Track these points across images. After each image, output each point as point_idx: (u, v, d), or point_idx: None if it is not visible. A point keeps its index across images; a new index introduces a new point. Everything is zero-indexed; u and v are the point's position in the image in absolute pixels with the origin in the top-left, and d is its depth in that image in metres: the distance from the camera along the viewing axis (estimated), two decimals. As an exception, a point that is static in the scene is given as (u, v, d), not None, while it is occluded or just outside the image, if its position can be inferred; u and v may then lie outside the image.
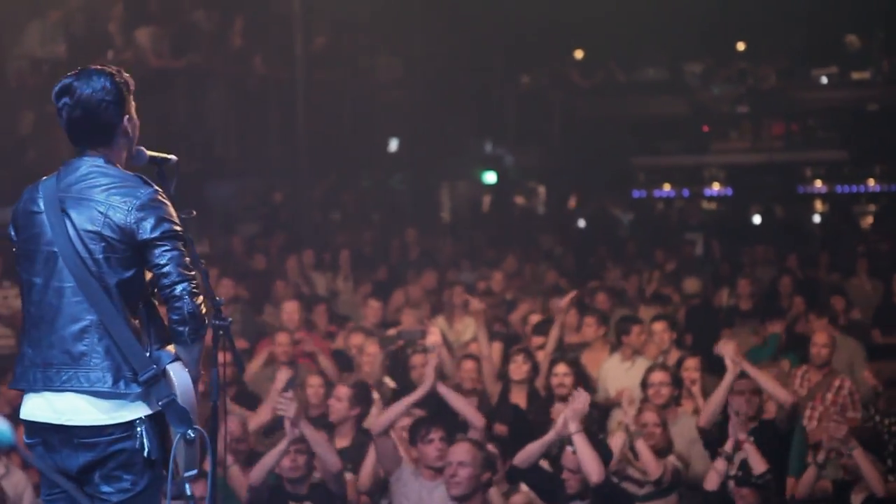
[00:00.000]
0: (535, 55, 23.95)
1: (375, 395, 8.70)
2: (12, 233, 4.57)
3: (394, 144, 21.47)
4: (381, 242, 16.84)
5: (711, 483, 7.31)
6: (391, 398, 8.87)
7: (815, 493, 7.44)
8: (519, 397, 8.91)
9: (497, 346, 10.12)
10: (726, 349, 8.10)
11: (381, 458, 7.42)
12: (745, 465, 7.29)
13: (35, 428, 4.44)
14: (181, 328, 4.39)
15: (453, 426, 7.62)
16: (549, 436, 7.21)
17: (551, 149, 23.85)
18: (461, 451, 6.92)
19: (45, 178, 4.55)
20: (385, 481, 7.47)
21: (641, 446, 7.47)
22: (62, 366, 4.38)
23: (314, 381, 8.74)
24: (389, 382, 9.55)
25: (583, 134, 23.43)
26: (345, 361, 10.30)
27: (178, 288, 4.35)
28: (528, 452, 7.21)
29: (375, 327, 11.17)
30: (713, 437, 7.85)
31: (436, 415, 7.80)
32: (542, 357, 9.31)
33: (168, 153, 4.71)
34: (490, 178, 23.45)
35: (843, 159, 22.60)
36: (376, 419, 7.68)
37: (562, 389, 8.42)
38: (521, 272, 14.96)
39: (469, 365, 9.09)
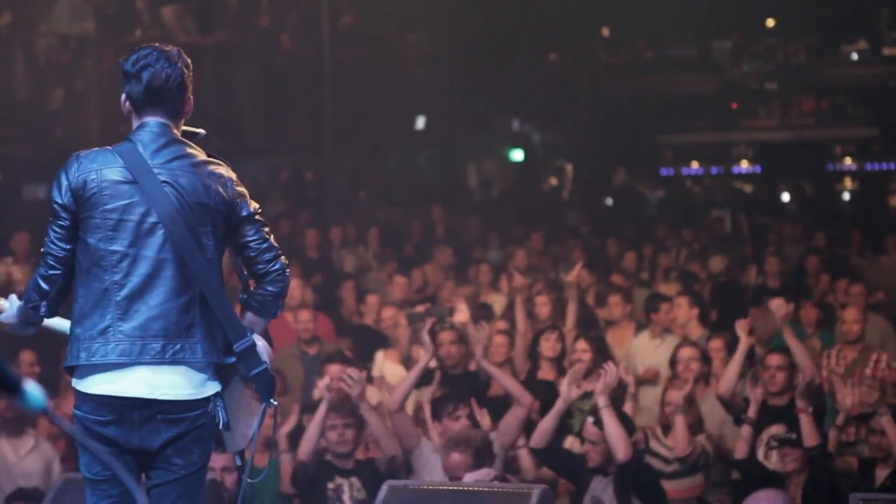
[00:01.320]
0: (563, 33, 23.87)
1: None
2: (69, 202, 4.39)
3: (420, 122, 21.45)
4: (408, 220, 16.84)
5: (741, 451, 7.30)
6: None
7: (840, 467, 7.41)
8: (548, 375, 8.91)
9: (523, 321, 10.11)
10: (740, 324, 8.11)
11: (399, 434, 7.41)
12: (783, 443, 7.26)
13: (112, 404, 4.36)
14: (278, 301, 4.54)
15: (481, 402, 7.61)
16: (557, 406, 7.19)
17: (578, 127, 23.81)
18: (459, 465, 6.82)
19: (113, 147, 4.47)
20: (407, 461, 7.47)
21: (679, 421, 7.44)
22: (170, 338, 4.36)
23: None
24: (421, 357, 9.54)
25: (610, 112, 23.37)
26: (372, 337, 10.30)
27: (279, 263, 4.48)
28: (543, 430, 7.18)
29: (403, 303, 11.18)
30: (741, 412, 7.83)
31: (462, 391, 7.80)
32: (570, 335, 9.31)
33: (196, 128, 4.73)
34: (517, 155, 23.42)
35: (874, 136, 22.45)
36: (390, 397, 7.67)
37: (581, 366, 8.41)
38: (547, 250, 14.93)
39: (500, 339, 9.08)
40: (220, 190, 4.41)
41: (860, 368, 8.90)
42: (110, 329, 4.36)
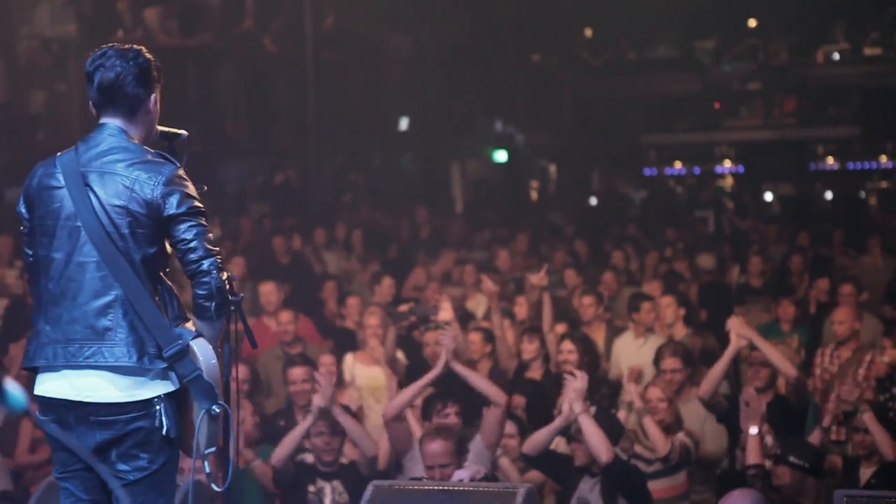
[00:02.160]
0: (546, 34, 23.91)
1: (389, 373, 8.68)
2: (23, 210, 4.50)
3: (404, 123, 21.45)
4: (392, 222, 16.83)
5: (752, 457, 7.11)
6: (404, 374, 8.85)
7: (826, 467, 7.41)
8: (535, 374, 8.92)
9: (507, 323, 10.11)
10: (733, 323, 8.09)
11: (393, 440, 7.39)
12: (790, 444, 7.23)
13: (51, 405, 4.40)
14: (208, 303, 4.37)
15: (468, 401, 7.59)
16: (557, 422, 7.14)
17: (562, 127, 23.84)
18: (439, 452, 6.74)
19: (60, 153, 4.50)
20: (398, 463, 7.46)
21: (648, 423, 7.44)
22: (85, 341, 4.34)
23: (326, 360, 8.72)
24: (402, 358, 9.53)
25: (593, 112, 23.42)
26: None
27: (206, 263, 4.34)
28: (536, 440, 7.13)
29: (387, 305, 11.15)
30: (723, 411, 7.83)
31: (450, 390, 7.79)
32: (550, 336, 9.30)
33: (178, 129, 4.71)
34: (500, 156, 23.44)
35: (855, 136, 22.54)
36: (388, 404, 7.62)
37: (567, 367, 8.42)
38: (533, 251, 14.93)
39: (475, 337, 9.08)
40: (142, 190, 4.33)
41: (853, 368, 8.87)
42: (40, 332, 4.41)
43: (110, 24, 14.60)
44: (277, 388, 9.31)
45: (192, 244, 4.35)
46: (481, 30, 22.33)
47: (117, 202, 4.34)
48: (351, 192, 18.90)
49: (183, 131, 4.70)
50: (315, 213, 16.71)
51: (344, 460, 7.45)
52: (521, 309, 10.27)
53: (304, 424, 7.26)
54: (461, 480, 6.42)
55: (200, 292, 4.37)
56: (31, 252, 4.50)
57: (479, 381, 7.59)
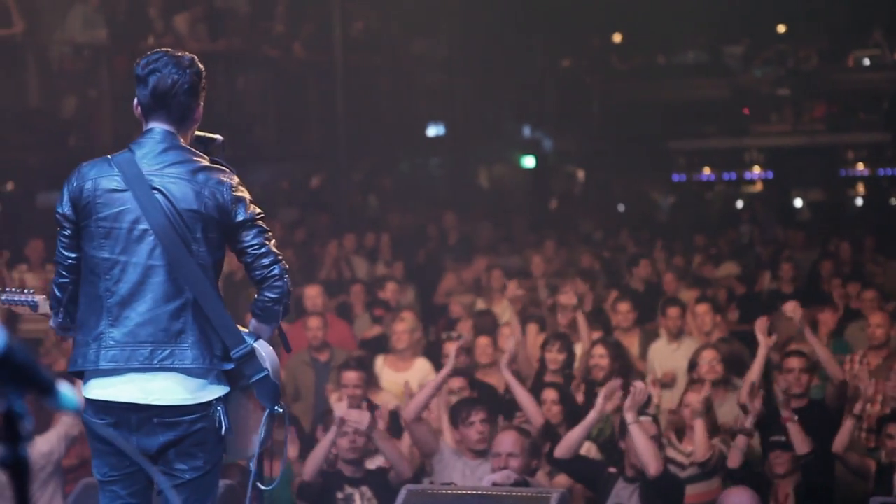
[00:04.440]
0: (575, 39, 23.92)
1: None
2: (69, 211, 4.47)
3: (433, 129, 21.48)
4: (420, 227, 16.84)
5: (734, 460, 7.22)
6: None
7: (854, 464, 7.38)
8: (555, 380, 8.89)
9: (533, 329, 10.10)
10: (759, 324, 8.08)
11: (417, 443, 7.39)
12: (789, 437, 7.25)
13: (110, 408, 4.41)
14: (278, 307, 4.46)
15: (495, 408, 7.60)
16: (589, 418, 7.14)
17: (590, 133, 23.81)
18: (509, 442, 6.87)
19: (112, 155, 4.52)
20: (422, 466, 7.46)
21: (698, 426, 7.38)
22: (158, 344, 4.37)
23: (351, 378, 8.58)
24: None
25: (622, 118, 23.36)
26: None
27: (277, 268, 4.42)
28: (570, 441, 7.11)
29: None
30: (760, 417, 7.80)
31: (476, 397, 7.78)
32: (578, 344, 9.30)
33: (214, 134, 4.74)
34: (529, 162, 23.42)
35: (886, 141, 22.42)
36: (407, 407, 7.63)
37: (599, 372, 8.39)
38: (560, 256, 14.92)
39: (484, 341, 9.14)
40: (214, 195, 4.40)
41: (884, 375, 8.80)
42: (102, 335, 4.41)
43: (141, 29, 14.67)
44: (306, 393, 9.33)
45: (262, 250, 4.42)
46: (510, 35, 22.33)
47: (189, 206, 4.39)
48: (379, 197, 18.93)
49: (218, 136, 4.73)
50: (344, 217, 16.74)
51: (371, 466, 7.44)
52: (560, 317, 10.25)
53: (329, 436, 7.26)
54: (493, 485, 6.42)
55: (272, 295, 4.45)
56: (74, 255, 4.50)
57: (523, 397, 7.60)
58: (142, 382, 4.38)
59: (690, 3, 22.03)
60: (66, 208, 4.49)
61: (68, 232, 4.50)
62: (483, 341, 9.28)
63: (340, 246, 14.17)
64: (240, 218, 4.41)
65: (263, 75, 17.21)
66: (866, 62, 22.89)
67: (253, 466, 4.60)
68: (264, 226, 4.48)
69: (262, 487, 4.63)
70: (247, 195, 4.48)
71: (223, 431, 4.42)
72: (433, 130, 21.49)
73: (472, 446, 7.25)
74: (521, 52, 22.82)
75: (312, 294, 10.55)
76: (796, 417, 7.22)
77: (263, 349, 4.48)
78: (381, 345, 10.15)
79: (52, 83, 14.04)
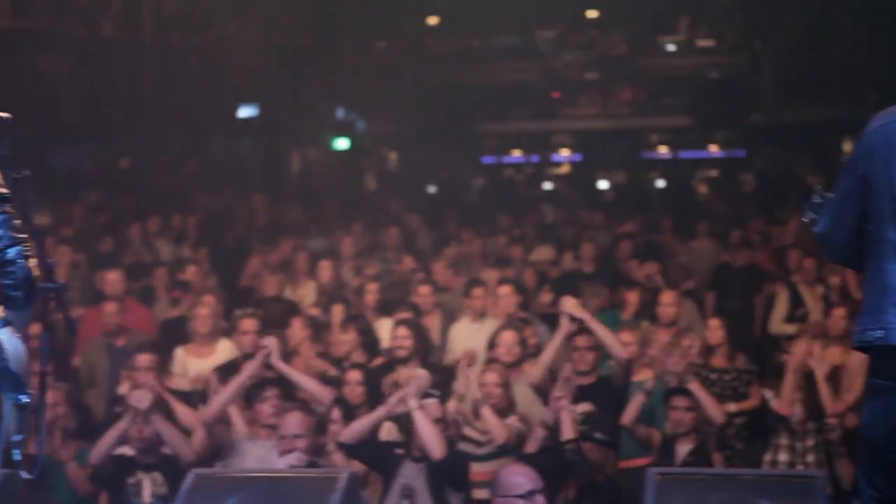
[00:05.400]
0: (389, 21, 23.95)
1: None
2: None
3: (244, 110, 21.27)
4: (228, 209, 16.66)
5: (531, 446, 7.32)
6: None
7: (641, 435, 7.60)
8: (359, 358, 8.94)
9: (339, 309, 10.12)
10: (566, 304, 8.19)
11: (214, 441, 7.30)
12: (589, 420, 7.41)
13: None
14: (14, 292, 4.28)
15: (288, 386, 7.59)
16: (379, 412, 7.15)
17: (404, 115, 23.90)
18: (294, 423, 6.84)
19: None
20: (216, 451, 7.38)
21: (487, 413, 7.45)
22: None
23: (143, 361, 8.44)
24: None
25: (435, 100, 23.54)
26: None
27: (11, 252, 4.25)
28: (355, 429, 7.11)
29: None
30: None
31: (271, 377, 7.77)
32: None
33: (2, 112, 4.57)
34: (342, 144, 23.40)
35: (688, 125, 23.15)
36: (206, 409, 7.53)
37: (401, 352, 8.45)
38: (370, 236, 14.94)
39: (298, 324, 9.13)
40: None
41: (675, 349, 9.05)
42: None
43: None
44: (101, 379, 9.17)
45: None
46: (324, 17, 22.22)
47: None
48: (186, 179, 18.65)
49: (4, 114, 4.57)
50: (150, 199, 16.45)
51: (167, 450, 7.35)
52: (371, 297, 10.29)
53: (120, 425, 7.15)
54: (285, 468, 6.43)
55: (7, 281, 4.29)
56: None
57: (302, 379, 7.59)
58: None
59: (504, -13, 22.34)
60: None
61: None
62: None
63: (144, 229, 13.93)
64: None
65: (69, 54, 16.80)
66: (671, 48, 23.57)
67: (17, 455, 4.48)
68: (1, 207, 4.28)
69: (24, 476, 4.52)
70: None
71: None
72: (245, 112, 21.28)
73: (265, 421, 7.20)
74: (335, 34, 22.75)
75: (112, 279, 10.31)
76: (565, 404, 7.30)
77: (7, 337, 4.28)
78: (179, 327, 10.01)
79: None
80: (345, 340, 8.91)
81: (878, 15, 20.25)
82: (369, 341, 9.02)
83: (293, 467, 6.41)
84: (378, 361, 8.82)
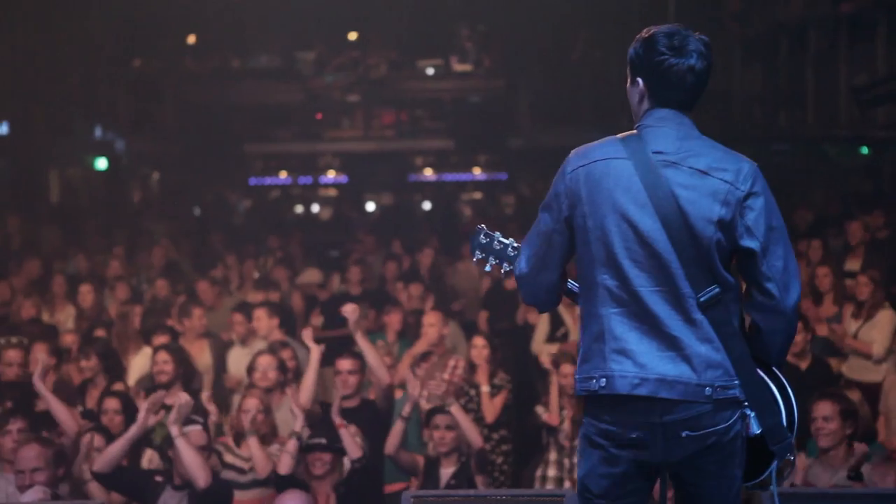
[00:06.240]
0: (148, 39, 23.47)
1: None
2: None
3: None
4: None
5: (284, 467, 7.24)
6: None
7: (405, 462, 7.66)
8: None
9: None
10: (346, 310, 8.22)
11: None
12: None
13: None
14: None
15: (36, 418, 7.33)
16: (130, 433, 6.98)
17: (165, 135, 23.49)
18: (31, 456, 6.47)
19: None
20: None
21: (253, 445, 7.35)
22: None
23: None
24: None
25: (197, 120, 23.23)
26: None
27: None
28: (107, 456, 6.89)
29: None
30: (316, 418, 7.96)
31: (18, 407, 7.50)
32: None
33: None
34: (101, 164, 22.78)
35: (450, 148, 23.53)
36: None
37: (162, 377, 8.32)
38: (132, 259, 14.62)
39: (41, 348, 8.87)
40: None
41: (438, 373, 9.18)
42: None
43: None
44: None
45: None
46: (80, 33, 21.60)
47: None
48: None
49: None
50: None
51: None
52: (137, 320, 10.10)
53: None
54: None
55: None
56: None
57: (56, 407, 7.29)
58: None
59: (264, 7, 22.19)
60: None
61: None
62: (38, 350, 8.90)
63: None
64: None
65: None
66: (430, 72, 23.92)
67: None
68: None
69: None
70: None
71: None
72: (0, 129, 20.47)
73: (5, 456, 6.94)
74: (91, 51, 22.15)
75: None
76: (345, 424, 7.37)
77: None
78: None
79: None
80: (86, 367, 8.73)
81: (624, 42, 21.04)
82: (110, 365, 8.87)
83: (39, 502, 6.16)
84: (119, 386, 8.67)
